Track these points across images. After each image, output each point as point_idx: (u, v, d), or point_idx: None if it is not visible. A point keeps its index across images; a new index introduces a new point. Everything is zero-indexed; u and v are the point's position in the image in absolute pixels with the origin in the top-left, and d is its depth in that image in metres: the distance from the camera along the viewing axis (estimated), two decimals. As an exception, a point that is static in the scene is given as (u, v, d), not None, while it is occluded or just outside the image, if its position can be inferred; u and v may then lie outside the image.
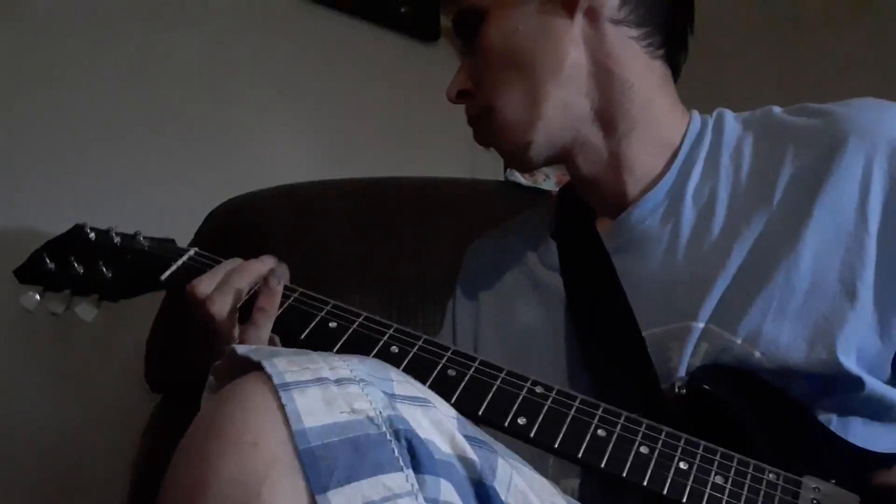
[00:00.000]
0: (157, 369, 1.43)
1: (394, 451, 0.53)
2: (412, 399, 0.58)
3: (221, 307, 0.85)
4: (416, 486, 0.53)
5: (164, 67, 1.65)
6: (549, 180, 1.68)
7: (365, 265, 1.43)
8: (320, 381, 0.55)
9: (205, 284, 0.88)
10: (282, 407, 0.53)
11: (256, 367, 0.57)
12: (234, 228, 1.43)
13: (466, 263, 1.11)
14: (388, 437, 0.54)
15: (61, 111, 1.51)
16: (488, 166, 2.12)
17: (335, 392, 0.55)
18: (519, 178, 1.67)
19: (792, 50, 1.99)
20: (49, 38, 1.50)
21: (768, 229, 0.83)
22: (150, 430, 1.41)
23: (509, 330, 0.98)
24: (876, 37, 1.86)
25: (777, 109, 0.92)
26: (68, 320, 1.35)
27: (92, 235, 1.02)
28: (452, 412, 0.62)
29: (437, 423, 0.58)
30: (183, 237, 1.13)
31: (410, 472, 0.53)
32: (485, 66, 0.93)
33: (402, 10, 2.10)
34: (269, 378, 0.55)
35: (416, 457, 0.54)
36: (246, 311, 0.86)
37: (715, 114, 0.95)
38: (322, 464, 0.51)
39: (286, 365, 0.56)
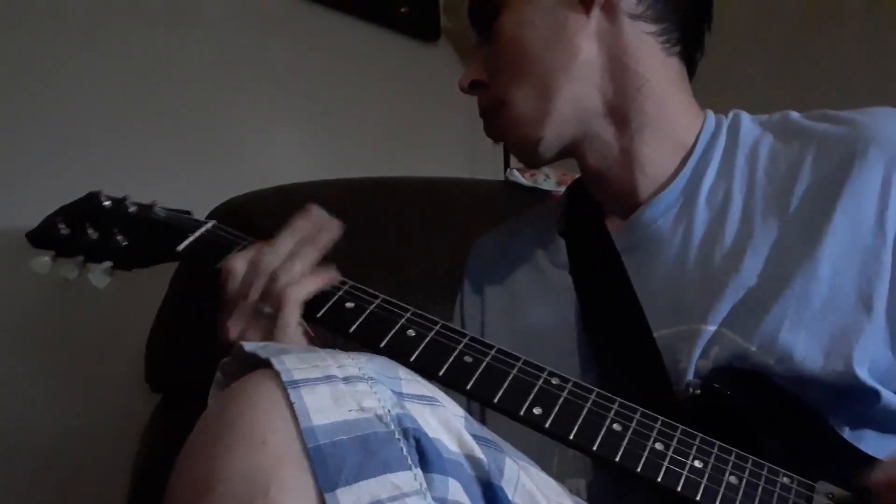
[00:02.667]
0: (157, 369, 1.42)
1: (402, 449, 0.53)
2: (420, 398, 0.58)
3: (292, 279, 0.81)
4: (425, 484, 0.53)
5: (164, 67, 1.65)
6: (549, 180, 1.67)
7: (365, 265, 1.42)
8: (329, 378, 0.55)
9: (274, 255, 0.83)
10: (290, 405, 0.53)
11: (264, 364, 0.57)
12: (234, 228, 1.42)
13: (472, 261, 1.10)
14: (397, 435, 0.54)
15: (61, 111, 1.50)
16: (488, 166, 2.13)
17: (344, 390, 0.55)
18: (519, 178, 1.67)
19: (798, 51, 1.99)
20: (49, 38, 1.49)
21: (784, 236, 0.82)
22: (150, 430, 1.41)
23: (517, 328, 0.97)
24: (882, 38, 1.86)
25: (795, 114, 0.91)
26: (68, 317, 1.36)
27: (107, 203, 1.00)
28: (460, 411, 0.62)
29: (445, 422, 0.58)
30: (183, 237, 1.12)
31: (419, 470, 0.53)
32: (499, 59, 0.92)
33: (402, 10, 2.10)
34: (277, 375, 0.55)
35: (425, 456, 0.54)
36: None
37: (731, 115, 0.94)
38: (331, 462, 0.51)
39: (295, 362, 0.56)
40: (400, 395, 0.57)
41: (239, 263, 0.84)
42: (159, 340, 1.42)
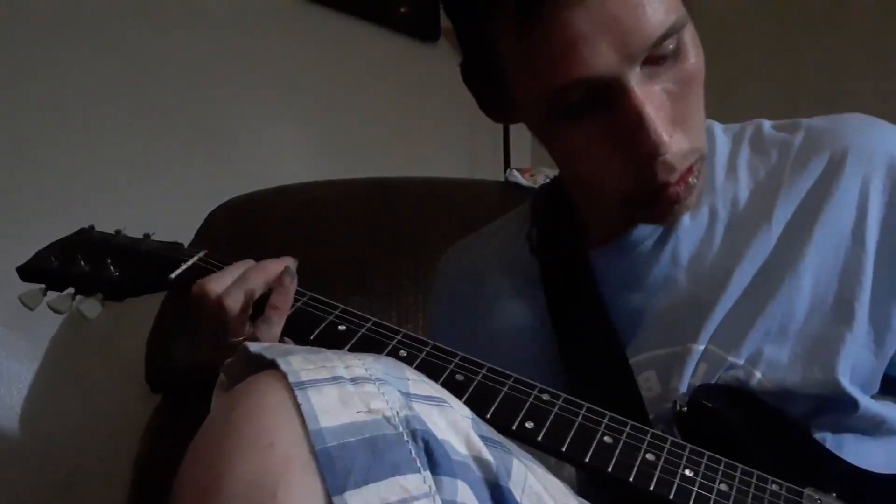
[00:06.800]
0: (157, 370, 1.42)
1: (411, 451, 0.53)
2: (428, 398, 0.58)
3: (235, 303, 0.83)
4: (434, 487, 0.52)
5: (164, 67, 1.65)
6: (548, 181, 1.67)
7: (365, 265, 1.43)
8: (336, 379, 0.54)
9: (217, 281, 0.86)
10: (297, 406, 0.52)
11: (270, 365, 0.56)
12: (234, 228, 1.43)
13: (439, 282, 1.06)
14: (406, 437, 0.53)
15: (62, 112, 1.50)
16: (488, 166, 2.14)
17: (351, 391, 0.54)
18: (519, 178, 1.67)
19: (786, 52, 2.00)
20: (49, 39, 1.49)
21: (769, 252, 0.82)
22: (150, 430, 1.41)
23: (488, 349, 0.91)
24: (872, 39, 1.87)
25: (767, 124, 0.90)
26: (70, 320, 1.35)
27: (98, 237, 1.01)
28: (467, 412, 0.61)
29: (453, 423, 0.58)
30: (183, 237, 1.13)
31: (428, 473, 0.53)
32: (685, 97, 0.74)
33: (402, 10, 2.11)
34: (284, 376, 0.54)
35: (433, 458, 0.54)
36: (258, 310, 0.86)
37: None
38: (339, 464, 0.50)
39: (301, 363, 0.55)
40: (408, 395, 0.56)
41: (196, 290, 0.87)
42: (159, 340, 1.41)
